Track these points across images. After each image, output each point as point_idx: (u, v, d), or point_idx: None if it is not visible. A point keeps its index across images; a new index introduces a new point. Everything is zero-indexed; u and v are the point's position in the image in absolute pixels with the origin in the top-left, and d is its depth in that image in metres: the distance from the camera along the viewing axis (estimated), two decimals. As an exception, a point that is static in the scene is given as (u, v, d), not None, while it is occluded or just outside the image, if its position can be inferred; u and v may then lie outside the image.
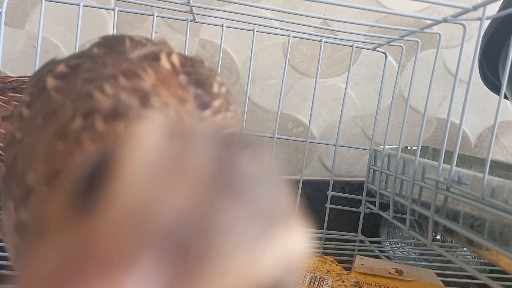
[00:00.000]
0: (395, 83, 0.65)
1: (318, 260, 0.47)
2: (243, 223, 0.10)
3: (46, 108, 0.21)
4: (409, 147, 0.74)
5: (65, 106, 0.20)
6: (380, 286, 0.42)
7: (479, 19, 0.47)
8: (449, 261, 0.52)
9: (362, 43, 0.68)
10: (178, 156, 0.11)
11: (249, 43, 0.62)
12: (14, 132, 0.22)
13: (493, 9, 0.54)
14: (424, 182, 0.53)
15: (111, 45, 0.24)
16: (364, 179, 0.69)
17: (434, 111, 0.82)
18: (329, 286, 0.41)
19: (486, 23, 0.56)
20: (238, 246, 0.10)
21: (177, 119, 0.19)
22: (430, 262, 0.56)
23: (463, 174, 0.47)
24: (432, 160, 0.63)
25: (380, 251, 0.58)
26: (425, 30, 0.58)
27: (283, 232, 0.11)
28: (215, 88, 0.23)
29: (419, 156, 0.55)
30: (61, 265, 0.09)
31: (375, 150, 0.67)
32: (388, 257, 0.58)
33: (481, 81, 0.66)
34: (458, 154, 0.48)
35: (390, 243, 0.68)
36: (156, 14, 0.59)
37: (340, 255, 0.53)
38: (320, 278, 0.42)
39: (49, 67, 0.24)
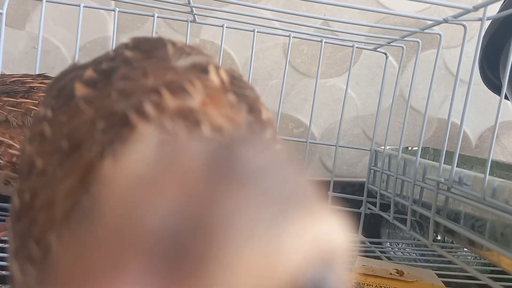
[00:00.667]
0: (396, 83, 0.65)
1: (319, 261, 0.47)
2: (250, 212, 0.09)
3: (73, 126, 0.18)
4: (409, 148, 0.74)
5: (94, 137, 0.17)
6: (381, 286, 0.42)
7: (480, 19, 0.47)
8: (450, 262, 0.52)
9: (363, 43, 0.68)
10: (167, 160, 0.10)
11: (249, 43, 0.62)
12: (33, 157, 0.18)
13: (493, 10, 0.54)
14: (425, 183, 0.53)
15: (148, 48, 0.21)
16: (364, 179, 0.69)
17: (435, 112, 0.82)
18: (329, 287, 0.41)
19: (487, 23, 0.56)
20: (247, 238, 0.09)
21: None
22: (431, 262, 0.56)
23: (464, 174, 0.47)
24: (433, 160, 0.63)
25: (381, 251, 0.58)
26: (426, 31, 0.58)
27: (307, 219, 0.09)
28: (264, 115, 0.20)
29: (420, 157, 0.55)
30: (51, 283, 0.09)
31: (375, 150, 0.67)
32: (389, 258, 0.58)
33: (482, 82, 0.66)
34: (459, 154, 0.48)
35: (391, 244, 0.68)
36: (156, 14, 0.59)
37: (341, 255, 0.53)
38: (320, 279, 0.42)
39: (72, 75, 0.21)
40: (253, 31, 0.61)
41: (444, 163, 0.49)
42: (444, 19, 0.52)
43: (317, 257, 0.09)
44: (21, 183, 0.19)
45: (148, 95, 0.17)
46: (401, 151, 0.60)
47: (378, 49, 0.66)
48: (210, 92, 0.18)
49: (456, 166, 0.47)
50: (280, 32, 0.66)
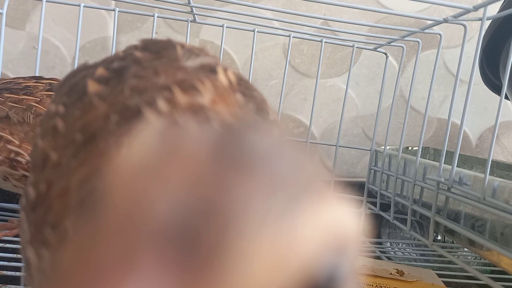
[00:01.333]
0: (396, 83, 0.64)
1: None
2: (261, 197, 0.09)
3: (86, 119, 0.18)
4: (410, 148, 0.74)
5: (108, 129, 0.17)
6: (381, 286, 0.42)
7: (480, 19, 0.47)
8: (450, 262, 0.52)
9: (363, 43, 0.68)
10: (175, 146, 0.10)
11: (249, 43, 0.62)
12: (47, 150, 0.19)
13: (493, 10, 0.54)
14: (425, 183, 0.53)
15: (158, 49, 0.22)
16: (365, 179, 0.69)
17: (435, 112, 0.82)
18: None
19: (487, 23, 0.56)
20: (259, 224, 0.08)
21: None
22: (431, 262, 0.56)
23: (464, 174, 0.47)
24: (433, 160, 0.63)
25: (381, 251, 0.58)
26: (426, 31, 0.58)
27: (318, 205, 0.09)
28: (271, 116, 0.21)
29: (420, 157, 0.55)
30: (60, 281, 0.08)
31: (376, 150, 0.67)
32: (389, 258, 0.58)
33: (482, 81, 0.66)
34: (459, 154, 0.48)
35: (391, 244, 0.68)
36: (156, 14, 0.59)
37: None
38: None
39: (83, 73, 0.22)
40: (253, 31, 0.61)
41: (444, 163, 0.49)
42: (444, 19, 0.52)
43: (330, 243, 0.09)
44: (36, 175, 0.19)
45: (160, 91, 0.18)
46: (401, 151, 0.60)
47: (378, 49, 0.66)
48: (219, 92, 0.18)
49: (456, 166, 0.47)
50: (280, 32, 0.66)
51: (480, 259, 0.60)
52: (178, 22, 0.72)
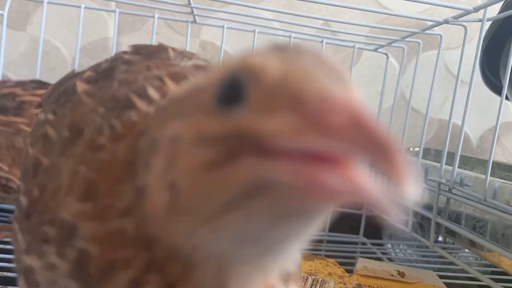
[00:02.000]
0: (397, 84, 0.64)
1: (320, 263, 0.47)
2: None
3: (74, 116, 0.19)
4: (411, 149, 0.74)
5: (96, 121, 0.17)
6: (382, 288, 0.42)
7: (480, 20, 0.47)
8: (451, 263, 0.52)
9: (364, 44, 0.68)
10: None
11: (250, 44, 0.62)
12: (38, 157, 0.19)
13: (494, 11, 0.54)
14: (426, 184, 0.53)
15: (149, 52, 0.22)
16: (365, 180, 0.69)
17: (436, 113, 0.82)
18: (330, 288, 0.41)
19: (487, 24, 0.56)
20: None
21: None
22: (432, 264, 0.56)
23: (465, 175, 0.47)
24: (434, 161, 0.63)
25: (382, 253, 0.58)
26: (426, 32, 0.58)
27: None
28: None
29: (421, 158, 0.55)
30: None
31: (376, 151, 0.67)
32: (390, 259, 0.58)
33: (482, 82, 0.66)
34: (460, 155, 0.48)
35: (392, 245, 0.68)
36: (157, 15, 0.59)
37: (342, 257, 0.53)
38: (322, 280, 0.42)
39: (71, 80, 0.22)
40: (254, 31, 0.61)
41: (445, 164, 0.49)
42: (445, 20, 0.52)
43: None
44: (27, 184, 0.19)
45: (150, 81, 0.18)
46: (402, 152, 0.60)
47: (378, 50, 0.66)
48: None
49: (457, 167, 0.47)
50: (281, 32, 0.66)
51: (481, 260, 0.60)
52: (178, 23, 0.72)
